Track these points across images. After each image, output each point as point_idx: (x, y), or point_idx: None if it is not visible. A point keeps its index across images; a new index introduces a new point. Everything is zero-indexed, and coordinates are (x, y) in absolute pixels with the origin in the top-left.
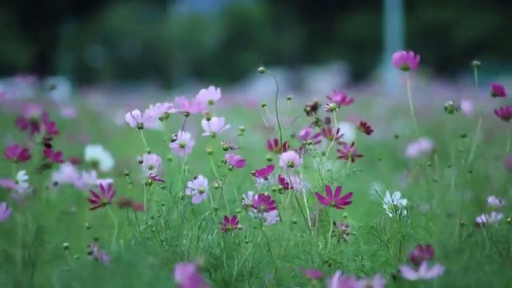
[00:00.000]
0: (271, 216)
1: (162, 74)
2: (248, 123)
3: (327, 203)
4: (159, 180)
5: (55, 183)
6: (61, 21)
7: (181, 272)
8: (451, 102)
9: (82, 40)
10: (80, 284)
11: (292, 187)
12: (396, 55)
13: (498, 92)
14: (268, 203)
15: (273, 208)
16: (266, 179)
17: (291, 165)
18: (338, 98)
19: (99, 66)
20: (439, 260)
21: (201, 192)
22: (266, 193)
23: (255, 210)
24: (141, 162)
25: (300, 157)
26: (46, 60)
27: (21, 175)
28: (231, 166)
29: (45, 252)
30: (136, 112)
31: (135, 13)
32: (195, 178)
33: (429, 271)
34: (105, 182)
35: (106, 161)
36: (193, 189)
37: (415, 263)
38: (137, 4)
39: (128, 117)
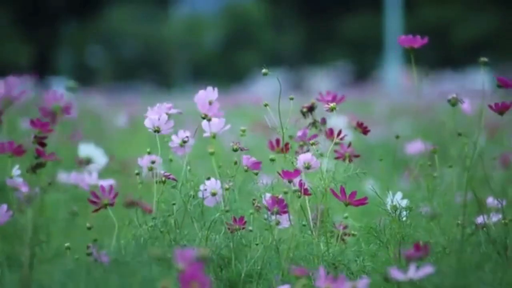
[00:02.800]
0: (284, 219)
1: (162, 74)
2: (248, 123)
3: (342, 202)
4: (173, 179)
5: (49, 183)
6: (61, 21)
7: (181, 258)
8: (454, 95)
9: (82, 40)
10: (77, 284)
11: (310, 193)
12: (402, 37)
13: (503, 84)
14: (281, 206)
15: (286, 212)
16: (290, 182)
17: (308, 167)
18: (329, 98)
19: (99, 66)
20: (438, 260)
21: (214, 195)
22: (280, 196)
23: (269, 213)
24: (153, 162)
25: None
26: (46, 60)
27: (15, 170)
28: (246, 168)
29: (46, 252)
30: (154, 116)
31: (135, 13)
32: (208, 178)
33: (419, 271)
34: (107, 182)
35: (100, 158)
36: (206, 191)
37: (410, 261)
38: (137, 4)
39: (146, 121)
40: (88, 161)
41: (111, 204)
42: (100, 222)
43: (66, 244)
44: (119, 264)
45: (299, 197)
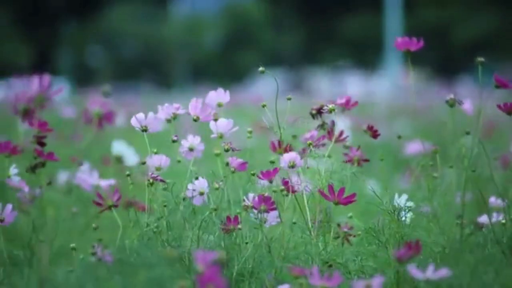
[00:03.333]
0: (272, 216)
1: (162, 74)
2: (248, 123)
3: (331, 201)
4: (161, 180)
5: (49, 183)
6: (61, 21)
7: (202, 260)
8: (452, 96)
9: (82, 40)
10: (83, 283)
11: (294, 191)
12: (399, 40)
13: (501, 84)
14: (268, 203)
15: (274, 209)
16: (271, 182)
17: (292, 166)
18: (342, 101)
19: (99, 66)
20: (436, 260)
21: (202, 194)
22: (266, 194)
23: (256, 211)
24: (143, 163)
25: (301, 158)
26: (46, 60)
27: (13, 169)
28: (233, 169)
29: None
30: (141, 115)
31: (135, 13)
32: (196, 178)
33: (437, 273)
34: (107, 183)
35: (131, 157)
36: (194, 191)
37: (401, 262)
38: (137, 4)
39: (133, 120)
40: (119, 159)
41: (116, 206)
42: (98, 222)
43: (72, 245)
44: (123, 264)
45: (286, 195)
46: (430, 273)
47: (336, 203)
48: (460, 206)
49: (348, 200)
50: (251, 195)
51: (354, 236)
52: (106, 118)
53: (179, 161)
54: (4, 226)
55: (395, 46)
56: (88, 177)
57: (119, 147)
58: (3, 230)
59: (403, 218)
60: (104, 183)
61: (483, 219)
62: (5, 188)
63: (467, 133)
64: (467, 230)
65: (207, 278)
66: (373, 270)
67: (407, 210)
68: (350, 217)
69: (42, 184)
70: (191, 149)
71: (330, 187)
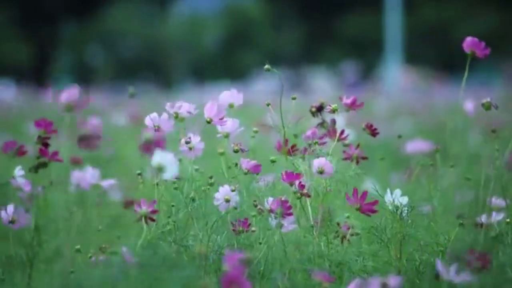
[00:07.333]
0: (289, 221)
1: (162, 74)
2: (249, 122)
3: (354, 206)
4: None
5: (51, 183)
6: (61, 21)
7: (230, 260)
8: (488, 99)
9: (82, 40)
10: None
11: (309, 195)
12: (469, 39)
13: None
14: (286, 207)
15: (291, 214)
16: (291, 184)
17: (321, 172)
18: (348, 101)
19: (99, 66)
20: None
21: (227, 201)
22: (284, 197)
23: (273, 215)
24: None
25: (303, 158)
26: (46, 60)
27: (18, 171)
28: (246, 171)
29: (46, 252)
30: (154, 115)
31: (135, 13)
32: (211, 177)
33: (462, 276)
34: (109, 182)
35: (172, 166)
36: (219, 199)
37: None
38: (137, 3)
39: (147, 120)
40: (160, 170)
41: (152, 219)
42: (101, 222)
43: (77, 247)
44: (145, 264)
45: (299, 198)
46: (453, 273)
47: (358, 209)
48: (459, 205)
49: (369, 208)
50: (270, 199)
51: (353, 235)
52: (156, 144)
53: (180, 160)
54: (2, 226)
55: (463, 45)
56: (89, 176)
57: (161, 157)
58: (3, 229)
59: (405, 217)
60: (105, 183)
61: (480, 219)
62: (7, 188)
63: (465, 134)
64: (492, 233)
65: (231, 278)
66: (376, 270)
67: (407, 208)
68: (348, 217)
69: (43, 184)
70: (190, 148)
71: (355, 191)
